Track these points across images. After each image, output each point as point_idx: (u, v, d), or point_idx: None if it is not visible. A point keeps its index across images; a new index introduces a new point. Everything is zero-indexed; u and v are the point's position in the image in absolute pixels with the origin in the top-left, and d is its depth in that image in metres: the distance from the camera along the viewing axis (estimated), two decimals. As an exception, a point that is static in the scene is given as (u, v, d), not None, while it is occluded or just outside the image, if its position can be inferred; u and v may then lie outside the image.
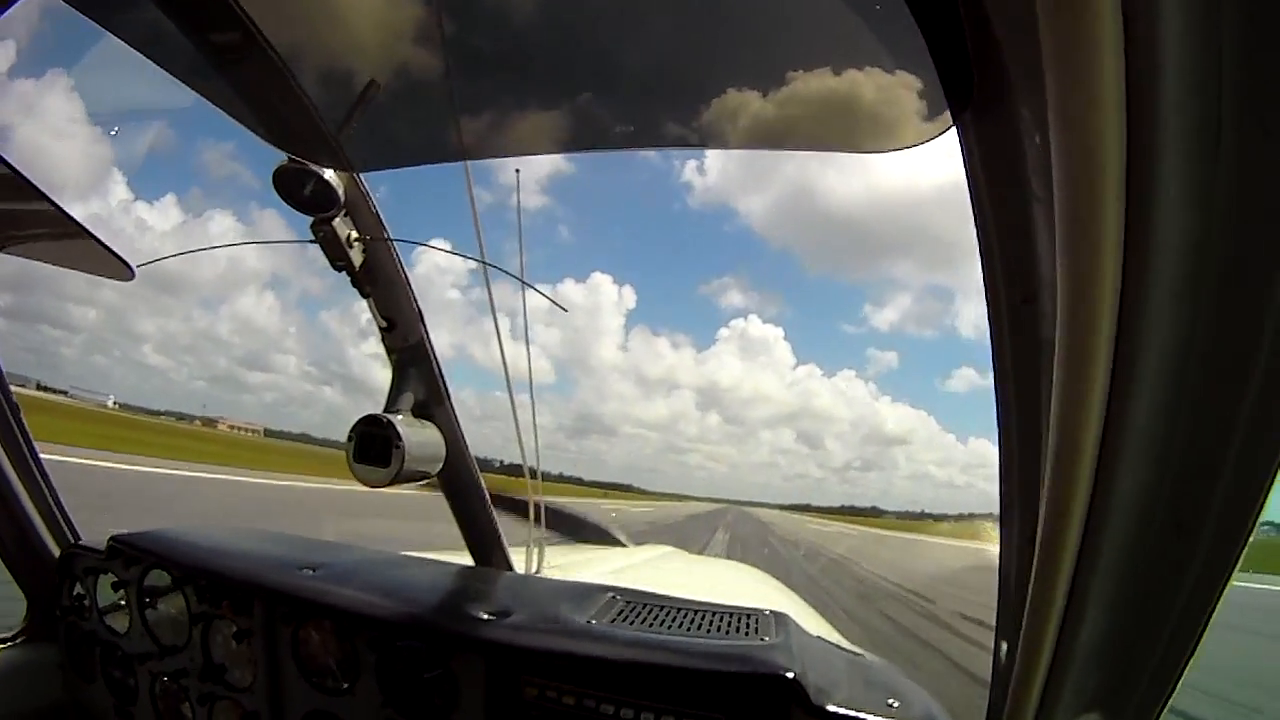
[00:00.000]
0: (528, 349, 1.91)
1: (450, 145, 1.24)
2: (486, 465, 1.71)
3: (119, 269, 1.39)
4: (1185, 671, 0.63)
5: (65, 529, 1.71)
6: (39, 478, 1.68)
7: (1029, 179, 0.61)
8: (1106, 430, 0.56)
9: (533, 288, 1.55)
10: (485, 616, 1.22)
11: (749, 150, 0.95)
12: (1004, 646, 0.83)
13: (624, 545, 3.57)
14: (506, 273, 1.57)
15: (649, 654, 1.11)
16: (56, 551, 1.66)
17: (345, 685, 1.27)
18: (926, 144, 0.68)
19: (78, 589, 1.61)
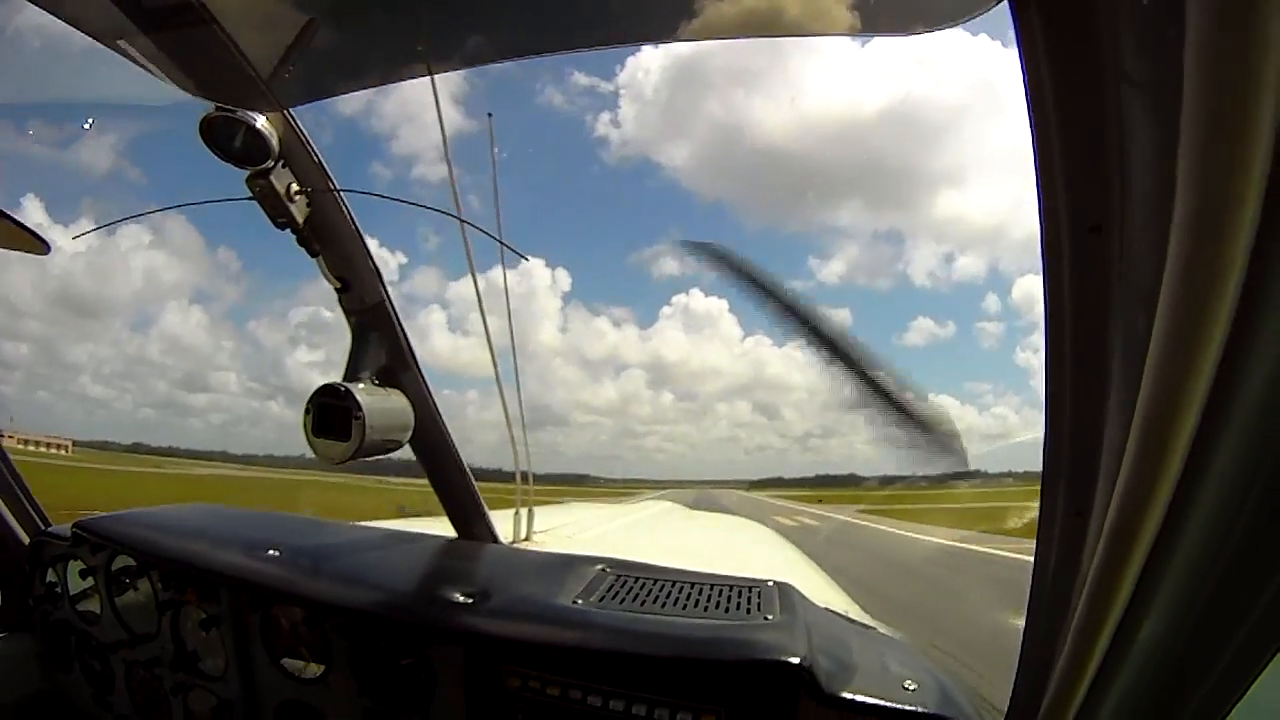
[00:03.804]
0: (508, 306, 1.76)
1: (404, 62, 1.08)
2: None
3: (34, 244, 1.26)
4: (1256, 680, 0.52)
5: (34, 516, 1.63)
6: (2, 466, 1.59)
7: (1111, 63, 0.44)
8: (1212, 397, 0.42)
9: (486, 232, 1.39)
10: (462, 600, 1.12)
11: (752, 40, 0.80)
12: (1039, 633, 0.72)
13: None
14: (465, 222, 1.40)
15: (639, 642, 1.00)
16: (26, 539, 1.59)
17: (318, 674, 1.19)
18: (978, 17, 0.51)
19: (50, 576, 1.54)
